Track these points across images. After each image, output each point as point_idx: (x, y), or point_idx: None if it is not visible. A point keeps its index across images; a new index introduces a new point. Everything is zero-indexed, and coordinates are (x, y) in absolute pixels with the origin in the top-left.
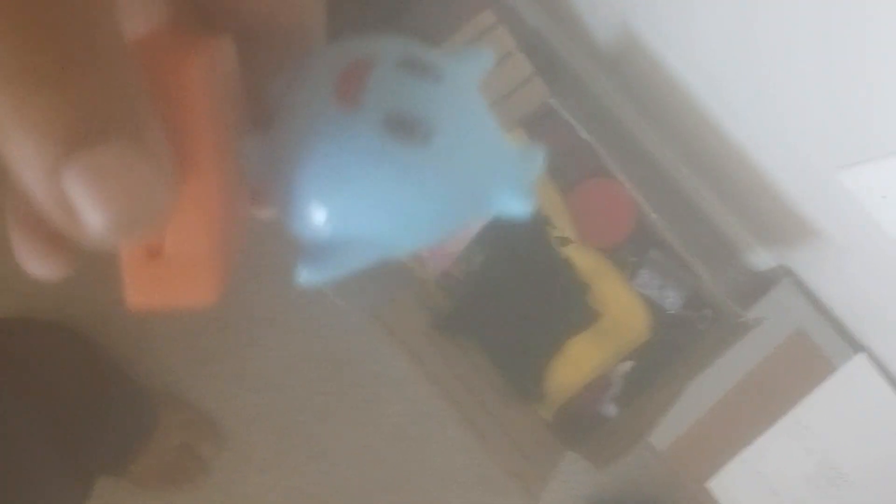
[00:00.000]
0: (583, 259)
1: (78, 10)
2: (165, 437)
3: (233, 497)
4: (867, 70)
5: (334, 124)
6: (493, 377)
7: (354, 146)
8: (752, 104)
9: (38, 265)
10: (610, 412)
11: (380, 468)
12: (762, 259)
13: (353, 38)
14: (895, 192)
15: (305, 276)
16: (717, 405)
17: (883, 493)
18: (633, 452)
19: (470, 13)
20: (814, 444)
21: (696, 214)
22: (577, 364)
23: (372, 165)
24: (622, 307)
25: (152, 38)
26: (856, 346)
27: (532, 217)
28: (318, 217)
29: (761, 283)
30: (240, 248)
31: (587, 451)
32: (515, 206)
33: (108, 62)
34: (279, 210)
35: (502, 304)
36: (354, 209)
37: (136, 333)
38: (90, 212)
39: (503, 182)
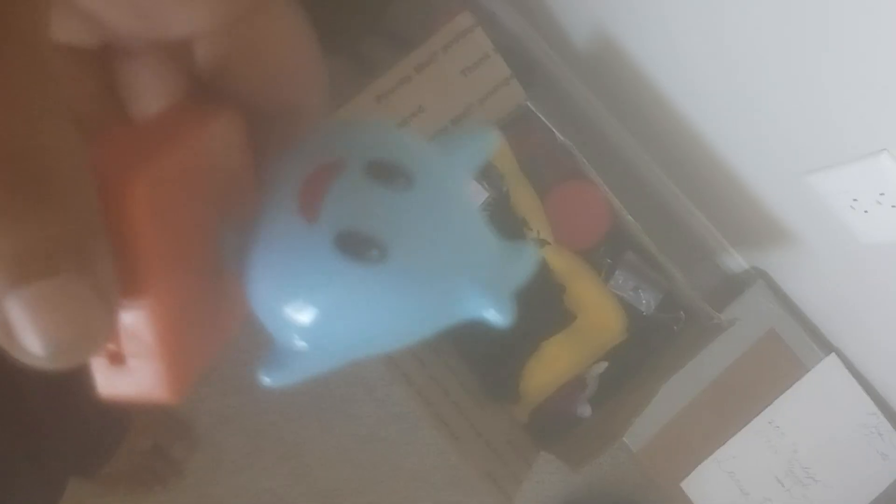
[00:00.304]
0: (559, 261)
1: (31, 133)
2: (137, 439)
3: (204, 499)
4: (834, 77)
5: (293, 235)
6: (467, 378)
7: (309, 261)
8: (725, 109)
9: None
10: (584, 413)
11: (352, 469)
12: (736, 261)
13: (329, 133)
14: (863, 195)
15: (266, 381)
16: (690, 406)
17: (851, 493)
18: (608, 453)
19: (447, 16)
20: (784, 444)
21: (671, 217)
22: (551, 365)
23: (324, 283)
24: (597, 309)
25: (118, 135)
26: (827, 347)
27: (508, 219)
28: (276, 323)
29: (734, 285)
30: (222, 338)
31: (561, 451)
32: (491, 315)
33: (62, 191)
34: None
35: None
36: (311, 321)
37: None
38: (29, 339)
39: (478, 291)
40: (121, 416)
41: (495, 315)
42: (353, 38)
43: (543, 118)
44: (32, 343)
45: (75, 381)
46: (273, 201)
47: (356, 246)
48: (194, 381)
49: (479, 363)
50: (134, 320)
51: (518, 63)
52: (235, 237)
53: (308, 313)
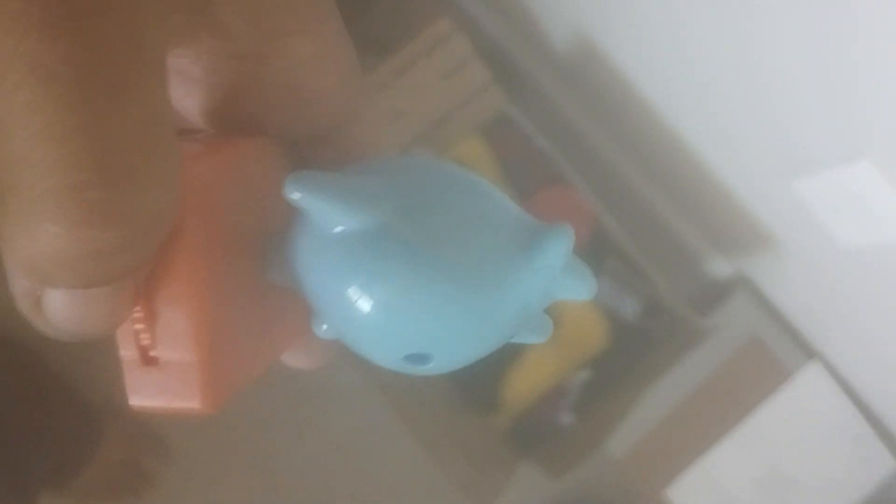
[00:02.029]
0: None
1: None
2: (108, 451)
3: None
4: (815, 84)
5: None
6: (446, 387)
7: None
8: (707, 114)
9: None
10: (566, 421)
11: (326, 481)
12: (719, 267)
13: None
14: (843, 201)
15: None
16: (674, 413)
17: (834, 499)
18: (590, 461)
19: (427, 21)
20: (768, 451)
21: (654, 222)
22: (533, 373)
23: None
24: (579, 316)
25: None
26: (811, 353)
27: None
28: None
29: (718, 291)
30: (268, 354)
31: (543, 460)
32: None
33: (154, 193)
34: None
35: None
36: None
37: (79, 347)
38: (58, 321)
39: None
40: (93, 427)
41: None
42: None
43: (524, 124)
44: (60, 325)
45: (48, 393)
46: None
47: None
48: (231, 394)
49: (460, 371)
50: (173, 316)
51: (499, 68)
52: (280, 254)
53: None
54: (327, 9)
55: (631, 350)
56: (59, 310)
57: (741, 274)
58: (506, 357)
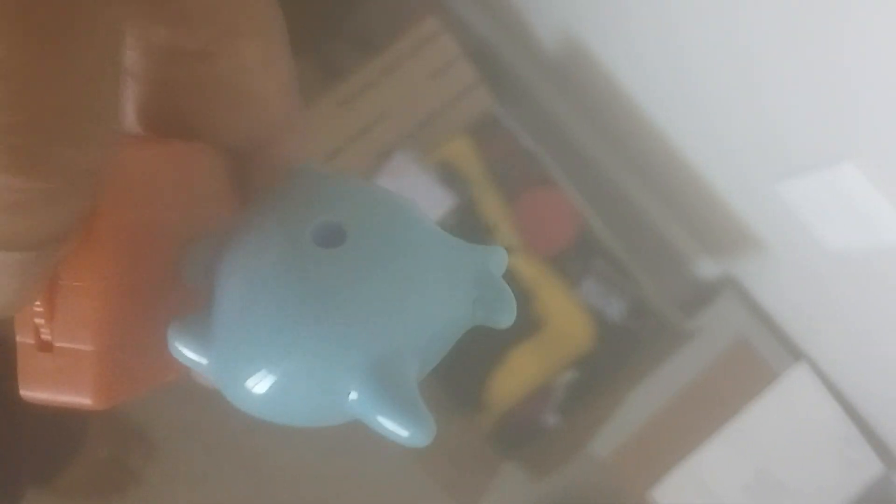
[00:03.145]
0: (526, 268)
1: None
2: (94, 449)
3: None
4: (799, 86)
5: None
6: (431, 387)
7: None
8: (694, 115)
9: None
10: (551, 422)
11: (312, 481)
12: (706, 268)
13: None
14: (829, 203)
15: (174, 343)
16: (659, 414)
17: (820, 501)
18: (575, 462)
19: (414, 19)
20: (754, 453)
21: (641, 223)
22: (517, 373)
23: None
24: (565, 317)
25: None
26: (798, 354)
27: (475, 226)
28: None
29: (705, 292)
30: (174, 365)
31: (527, 461)
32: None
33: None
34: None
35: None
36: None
37: None
38: None
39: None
40: (78, 424)
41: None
42: (317, 40)
43: (511, 125)
44: None
45: None
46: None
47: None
48: (127, 395)
49: (443, 371)
50: (76, 302)
51: (486, 68)
52: (204, 255)
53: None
54: (275, 13)
55: (617, 351)
56: None
57: (728, 275)
58: (491, 357)
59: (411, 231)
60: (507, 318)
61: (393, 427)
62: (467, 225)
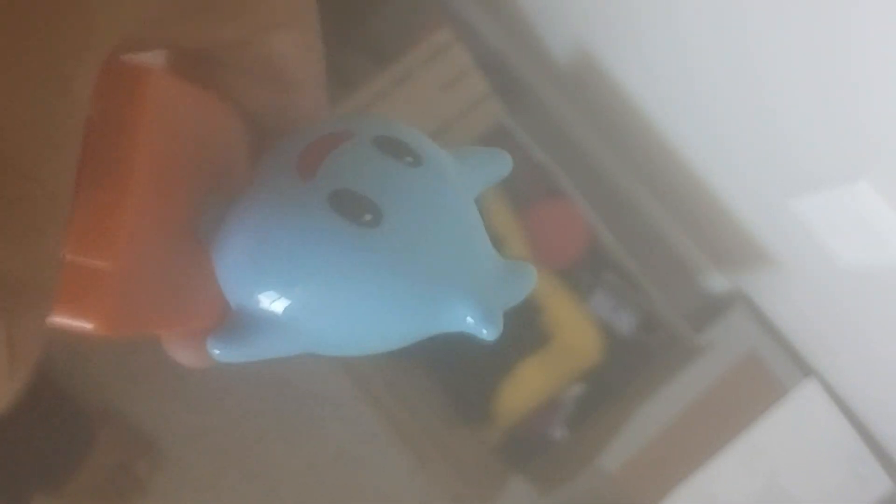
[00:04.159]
0: (536, 280)
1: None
2: (101, 455)
3: None
4: (816, 103)
5: (283, 192)
6: (438, 399)
7: (297, 216)
8: (706, 129)
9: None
10: (559, 435)
11: (318, 490)
12: (716, 282)
13: (336, 116)
14: (842, 220)
15: (216, 353)
16: (668, 428)
17: None
18: (583, 476)
19: (427, 30)
20: (764, 467)
21: (651, 237)
22: (526, 386)
23: (310, 239)
24: (574, 330)
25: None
26: (807, 369)
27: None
28: (249, 283)
29: (715, 306)
30: (175, 315)
31: (535, 474)
32: (475, 326)
33: (48, 223)
34: (219, 276)
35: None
36: (289, 280)
37: (73, 350)
38: None
39: (467, 294)
40: (85, 432)
41: (482, 327)
42: (329, 49)
43: (522, 136)
44: None
45: (41, 397)
46: (269, 166)
47: (350, 206)
48: (130, 328)
49: (451, 383)
50: (98, 213)
51: (498, 80)
52: (218, 212)
53: (287, 271)
54: (310, 4)
55: (626, 364)
56: None
57: (738, 290)
58: (499, 369)
59: (445, 178)
60: (504, 169)
61: (488, 335)
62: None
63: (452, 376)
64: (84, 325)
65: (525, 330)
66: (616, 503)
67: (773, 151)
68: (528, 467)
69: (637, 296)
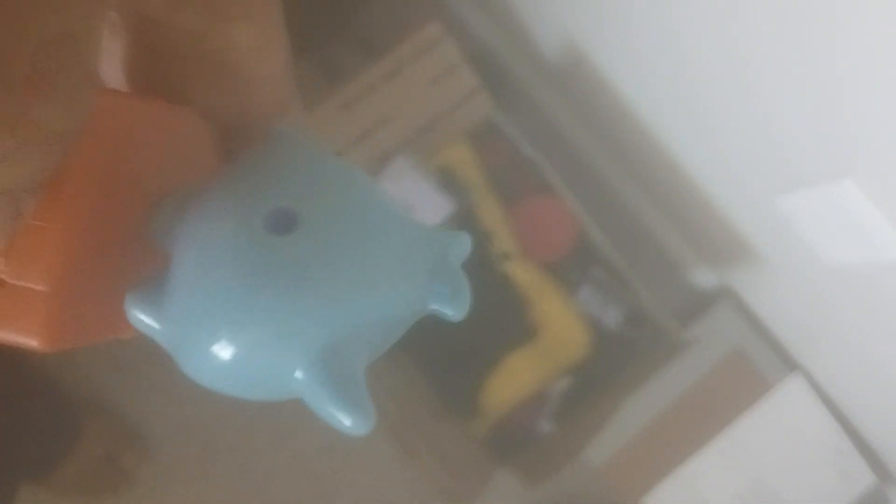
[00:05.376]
0: (523, 275)
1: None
2: (88, 446)
3: None
4: (801, 102)
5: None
6: (425, 392)
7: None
8: (694, 125)
9: None
10: (546, 429)
11: (306, 482)
12: (703, 278)
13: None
14: (827, 218)
15: (133, 312)
16: (654, 422)
17: None
18: (569, 469)
19: (417, 24)
20: (748, 463)
21: (639, 232)
22: (513, 380)
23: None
24: (561, 324)
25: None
26: (792, 365)
27: (473, 232)
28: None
29: (702, 302)
30: (124, 321)
31: (521, 467)
32: (304, 381)
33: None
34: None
35: (438, 317)
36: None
37: None
38: None
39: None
40: (72, 423)
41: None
42: (319, 43)
43: (511, 131)
44: None
45: (27, 388)
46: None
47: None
48: (73, 341)
49: (438, 376)
50: (35, 240)
51: (487, 74)
52: (174, 213)
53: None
54: (271, 1)
55: (612, 359)
56: None
57: (724, 286)
58: (485, 363)
59: (367, 216)
60: (458, 312)
61: (334, 412)
62: (465, 231)
63: (439, 369)
64: (28, 342)
65: (512, 323)
66: (601, 497)
67: (760, 149)
68: (515, 460)
69: (624, 291)
